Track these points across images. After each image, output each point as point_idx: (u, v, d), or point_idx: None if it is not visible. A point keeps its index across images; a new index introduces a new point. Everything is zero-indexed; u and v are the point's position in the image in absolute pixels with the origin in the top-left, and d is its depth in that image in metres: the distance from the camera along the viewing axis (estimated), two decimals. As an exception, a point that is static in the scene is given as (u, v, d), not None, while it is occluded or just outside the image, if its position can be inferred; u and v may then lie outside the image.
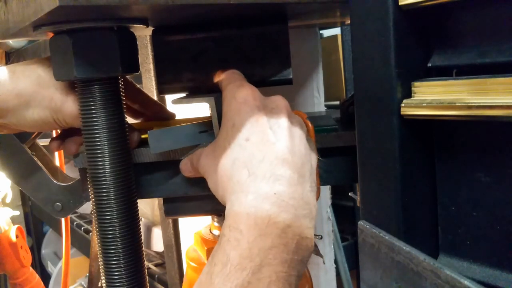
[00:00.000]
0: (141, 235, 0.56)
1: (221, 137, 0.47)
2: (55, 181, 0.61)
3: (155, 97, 1.01)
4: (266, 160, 0.43)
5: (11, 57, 2.13)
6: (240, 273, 0.40)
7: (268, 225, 0.41)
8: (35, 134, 0.61)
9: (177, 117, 0.68)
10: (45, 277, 2.16)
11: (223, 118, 0.48)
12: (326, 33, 1.91)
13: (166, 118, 0.66)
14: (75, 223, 1.84)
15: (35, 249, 2.38)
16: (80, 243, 1.80)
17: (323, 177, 0.54)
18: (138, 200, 0.57)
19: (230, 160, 0.45)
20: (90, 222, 1.83)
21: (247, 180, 0.43)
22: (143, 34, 0.87)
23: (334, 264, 1.08)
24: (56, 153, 0.85)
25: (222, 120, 0.48)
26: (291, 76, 0.61)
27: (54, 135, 0.81)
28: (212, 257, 0.43)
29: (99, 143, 0.52)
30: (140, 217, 0.56)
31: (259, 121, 0.45)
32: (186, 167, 0.54)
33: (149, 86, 1.02)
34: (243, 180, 0.43)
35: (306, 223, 0.43)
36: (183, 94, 0.63)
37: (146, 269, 0.57)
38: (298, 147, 0.45)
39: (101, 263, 0.54)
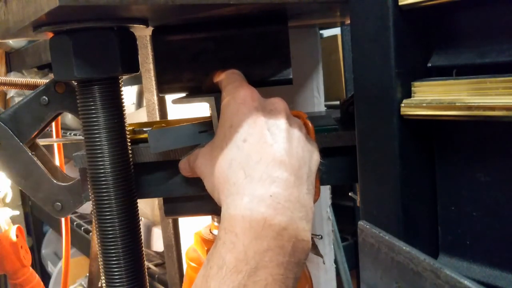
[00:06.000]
0: (141, 235, 0.56)
1: (218, 138, 0.47)
2: (55, 181, 0.61)
3: (155, 97, 1.01)
4: (263, 162, 0.43)
5: (11, 57, 2.13)
6: (236, 276, 0.40)
7: (264, 228, 0.41)
8: (35, 133, 0.61)
9: (177, 117, 0.68)
10: (45, 277, 2.16)
11: (220, 118, 0.48)
12: (326, 33, 1.91)
13: None
14: (75, 223, 1.84)
15: (35, 249, 2.37)
16: (80, 243, 1.80)
17: (323, 177, 0.54)
18: (138, 200, 0.57)
19: (227, 161, 0.45)
20: (90, 222, 1.83)
21: (243, 182, 0.43)
22: (143, 34, 0.87)
23: (334, 264, 1.08)
24: (56, 153, 0.85)
25: (220, 120, 0.48)
26: (291, 76, 0.61)
27: (55, 135, 0.81)
28: (208, 260, 0.42)
29: (99, 143, 0.52)
30: (140, 217, 0.56)
31: (257, 122, 0.45)
32: (184, 166, 0.54)
33: (149, 86, 1.01)
34: (239, 182, 0.43)
35: (303, 225, 0.43)
36: (183, 94, 0.63)
37: (146, 269, 0.57)
38: (295, 149, 0.45)
39: (101, 263, 0.54)
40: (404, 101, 0.41)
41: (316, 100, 0.98)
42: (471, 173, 0.42)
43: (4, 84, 0.73)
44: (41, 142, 0.65)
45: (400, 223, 0.42)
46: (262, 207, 0.41)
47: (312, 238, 0.45)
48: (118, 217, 0.53)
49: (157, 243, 1.51)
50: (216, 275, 0.40)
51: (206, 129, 0.55)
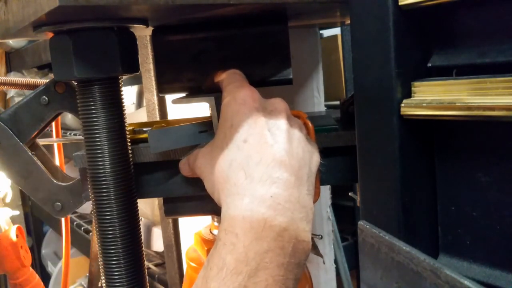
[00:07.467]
0: (141, 235, 0.56)
1: (218, 138, 0.47)
2: (55, 181, 0.61)
3: (155, 97, 1.01)
4: (263, 162, 0.43)
5: (11, 57, 2.13)
6: (236, 277, 0.40)
7: (264, 229, 0.41)
8: (35, 133, 0.60)
9: (177, 117, 0.68)
10: (45, 277, 2.16)
11: (221, 118, 0.48)
12: (326, 33, 1.91)
13: None
14: (75, 223, 1.84)
15: (35, 249, 2.38)
16: (80, 243, 1.80)
17: (323, 177, 0.54)
18: (138, 200, 0.57)
19: (227, 161, 0.45)
20: (90, 222, 1.83)
21: (244, 183, 0.43)
22: (143, 34, 0.87)
23: (334, 264, 1.08)
24: (56, 153, 0.85)
25: (220, 121, 0.48)
26: (291, 76, 0.61)
27: (55, 135, 0.81)
28: (208, 261, 0.42)
29: (99, 143, 0.52)
30: (140, 217, 0.56)
31: (258, 123, 0.45)
32: (184, 166, 0.54)
33: (149, 86, 1.01)
34: (239, 182, 0.43)
35: (303, 226, 0.43)
36: (183, 94, 0.63)
37: (146, 269, 0.57)
38: (296, 150, 0.45)
39: (101, 263, 0.54)
40: (404, 101, 0.41)
41: (316, 100, 0.98)
42: (471, 173, 0.42)
43: (4, 84, 0.73)
44: (41, 142, 0.65)
45: (400, 223, 0.42)
46: (262, 207, 0.41)
47: (312, 238, 0.45)
48: (118, 217, 0.53)
49: (157, 243, 1.51)
50: (216, 276, 0.40)
51: (206, 129, 0.55)
